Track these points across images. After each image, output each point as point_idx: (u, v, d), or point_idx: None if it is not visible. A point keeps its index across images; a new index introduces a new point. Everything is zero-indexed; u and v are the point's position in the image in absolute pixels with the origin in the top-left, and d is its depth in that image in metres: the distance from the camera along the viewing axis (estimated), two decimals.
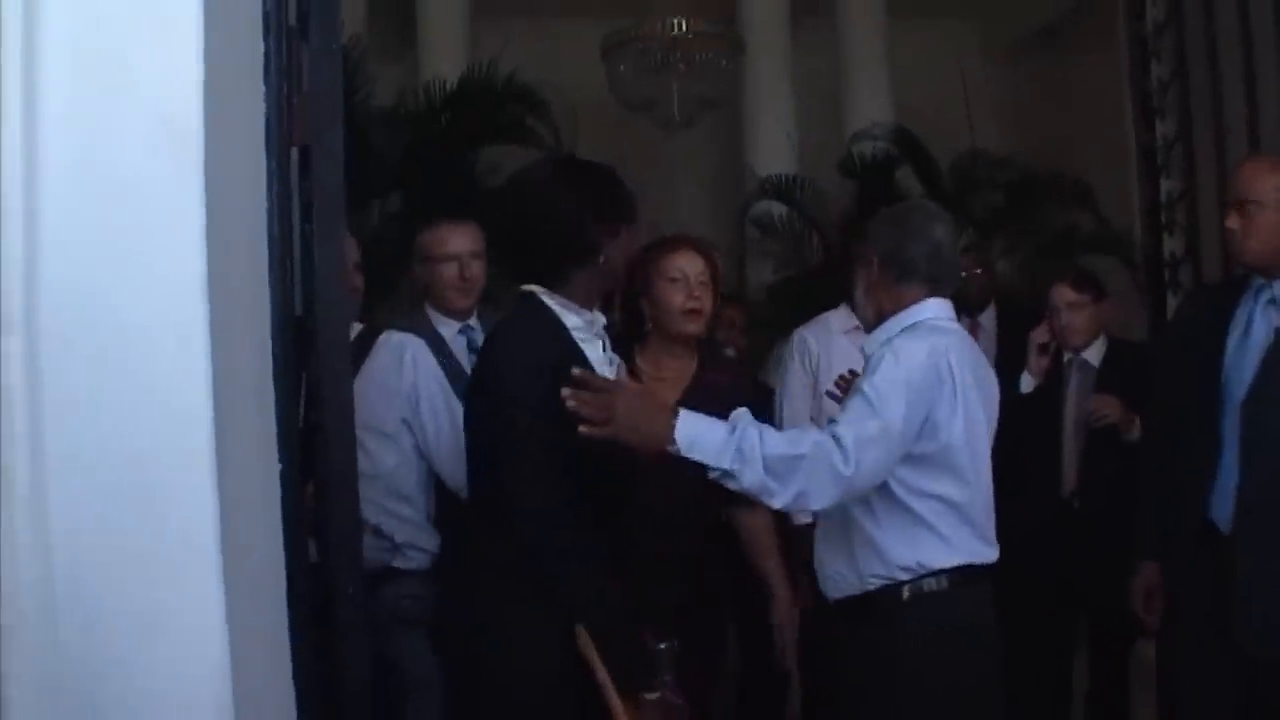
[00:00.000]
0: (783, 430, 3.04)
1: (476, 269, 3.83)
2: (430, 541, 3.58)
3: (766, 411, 3.76)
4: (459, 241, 3.84)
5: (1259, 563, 3.17)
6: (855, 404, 2.76)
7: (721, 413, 3.49)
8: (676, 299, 3.55)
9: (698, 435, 2.66)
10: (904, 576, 2.83)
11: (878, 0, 9.78)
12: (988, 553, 2.87)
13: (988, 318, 5.14)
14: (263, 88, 2.22)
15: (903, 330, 2.91)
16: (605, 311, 3.54)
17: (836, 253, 8.21)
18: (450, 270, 3.81)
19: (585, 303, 2.84)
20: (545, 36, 8.95)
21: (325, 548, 2.34)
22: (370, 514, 3.28)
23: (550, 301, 2.81)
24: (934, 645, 2.79)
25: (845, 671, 2.97)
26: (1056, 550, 4.23)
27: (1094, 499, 4.29)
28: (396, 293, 6.84)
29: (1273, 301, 3.29)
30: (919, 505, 2.80)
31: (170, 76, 1.94)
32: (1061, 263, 8.22)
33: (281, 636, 2.21)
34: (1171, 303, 4.36)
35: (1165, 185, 4.14)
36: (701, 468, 2.67)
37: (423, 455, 3.57)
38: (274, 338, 2.24)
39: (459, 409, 3.34)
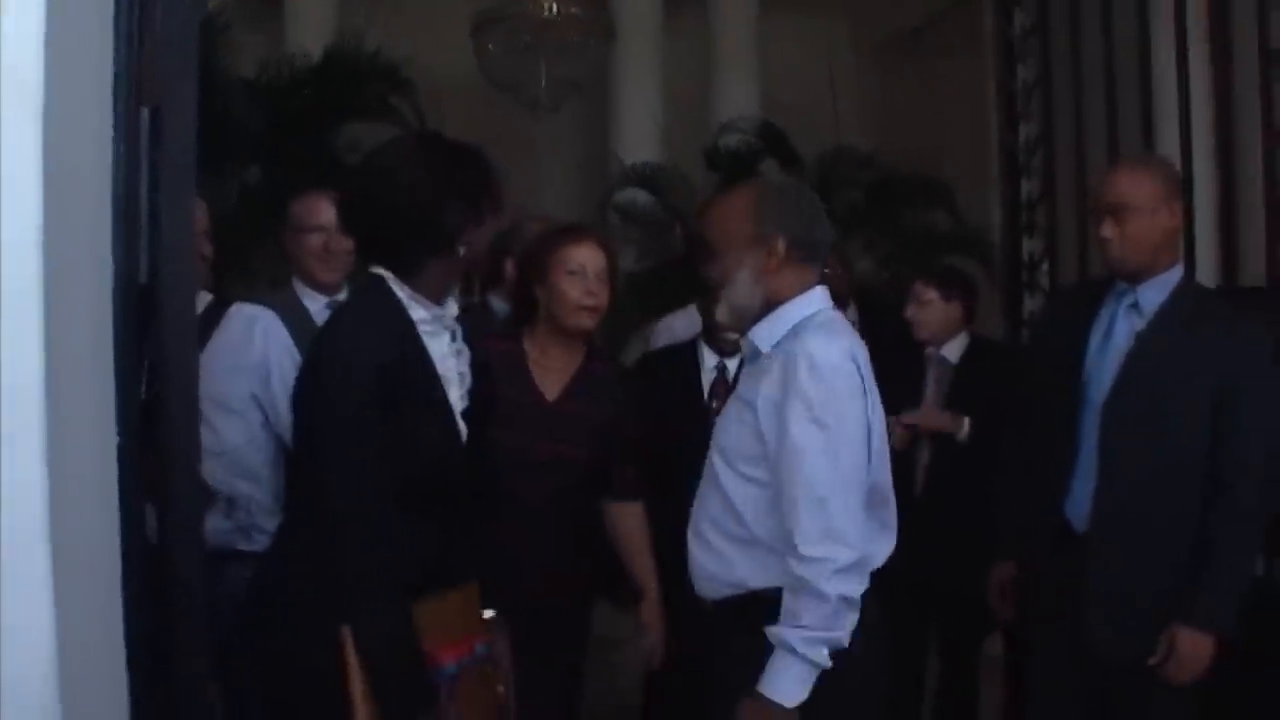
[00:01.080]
0: None
1: (344, 242, 3.71)
2: (276, 523, 3.44)
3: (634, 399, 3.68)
4: (328, 213, 3.72)
5: (1110, 564, 3.20)
6: (806, 493, 2.58)
7: (601, 402, 3.48)
8: (573, 293, 3.45)
9: (785, 682, 2.55)
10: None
11: None
12: (881, 555, 2.78)
13: (850, 314, 5.16)
14: (112, 40, 2.10)
15: (799, 324, 2.71)
16: (465, 294, 3.47)
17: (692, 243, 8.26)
18: (316, 241, 3.69)
19: (436, 295, 2.67)
20: (413, 13, 8.79)
21: (165, 527, 2.23)
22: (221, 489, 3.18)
23: (398, 290, 2.63)
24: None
25: (724, 676, 2.78)
26: (907, 551, 4.23)
27: (941, 498, 4.30)
28: (251, 267, 6.70)
29: (1134, 306, 3.31)
30: None
31: (11, 24, 1.84)
32: (918, 261, 8.36)
33: (115, 621, 2.10)
34: (1028, 302, 4.42)
35: (1026, 187, 4.18)
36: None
37: (272, 432, 3.45)
38: (115, 304, 2.13)
39: None
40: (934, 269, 4.64)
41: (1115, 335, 3.32)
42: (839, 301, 4.48)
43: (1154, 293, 3.29)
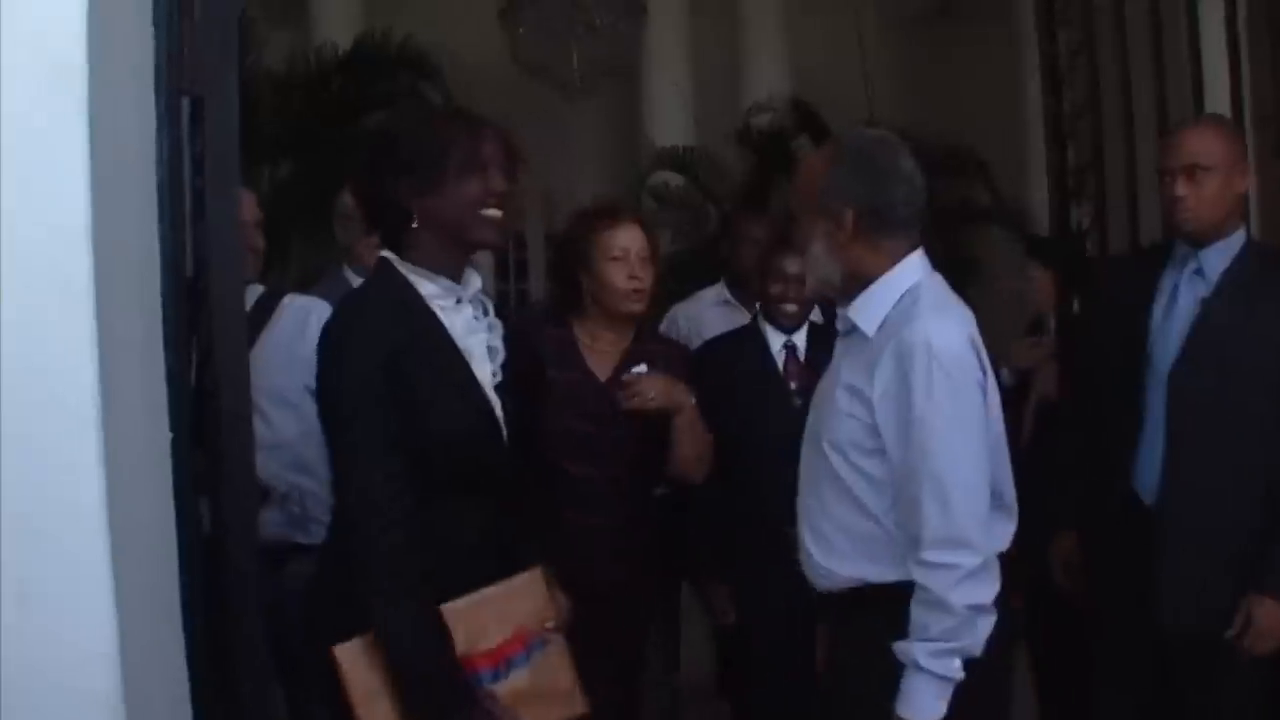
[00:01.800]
0: None
1: None
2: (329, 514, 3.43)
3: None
4: None
5: (1182, 534, 3.11)
6: (921, 495, 2.41)
7: None
8: (619, 278, 3.39)
9: (921, 706, 2.39)
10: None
11: None
12: (1005, 540, 2.58)
13: None
14: (152, 28, 2.08)
15: (902, 302, 2.52)
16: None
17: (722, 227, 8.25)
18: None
19: (438, 267, 2.52)
20: (441, 1, 8.78)
21: (219, 519, 2.20)
22: (275, 485, 3.14)
23: (402, 269, 2.52)
24: None
25: (839, 667, 2.65)
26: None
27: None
28: (286, 260, 6.71)
29: (1199, 272, 3.22)
30: None
31: (55, 10, 1.82)
32: (957, 235, 8.32)
33: (174, 614, 2.09)
34: None
35: (1072, 154, 4.11)
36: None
37: None
38: (165, 296, 2.11)
39: None
40: (1028, 240, 4.51)
41: (1179, 303, 3.22)
42: None
43: (1218, 258, 3.19)
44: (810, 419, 2.69)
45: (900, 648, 2.40)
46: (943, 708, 2.38)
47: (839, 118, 8.83)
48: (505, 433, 2.58)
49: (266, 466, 3.12)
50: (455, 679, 2.34)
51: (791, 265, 3.77)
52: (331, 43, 7.90)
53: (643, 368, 3.31)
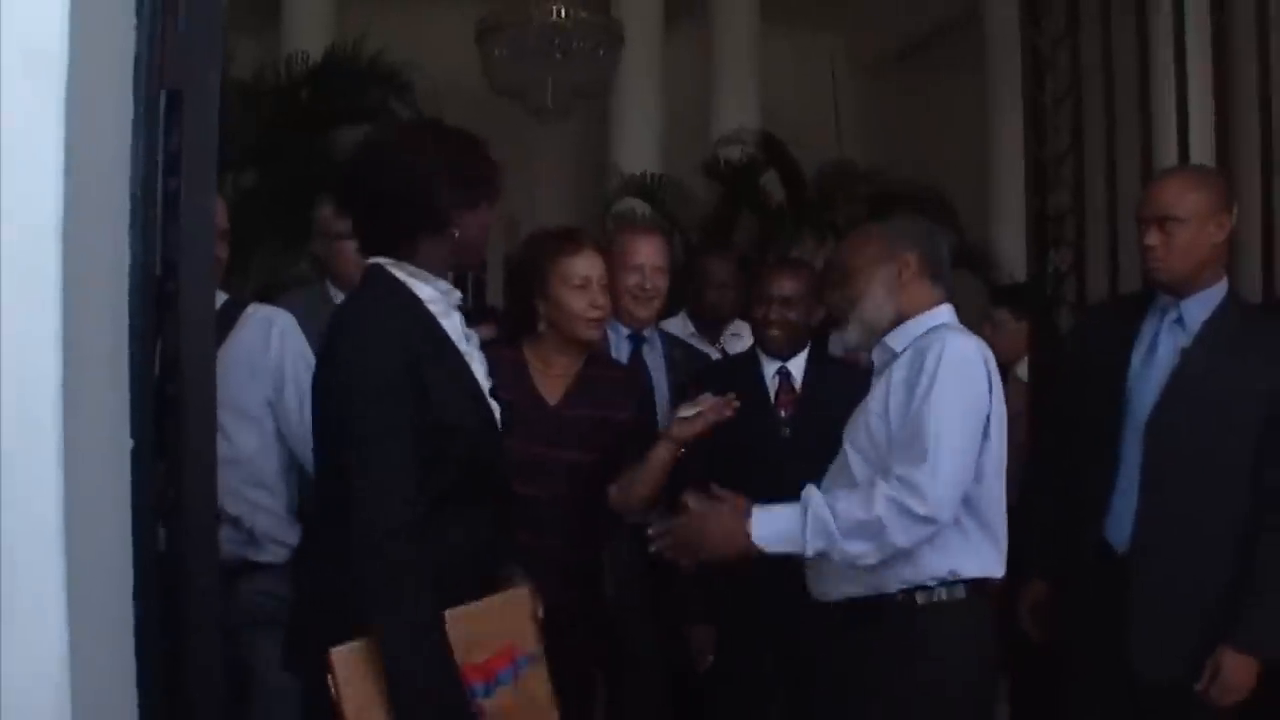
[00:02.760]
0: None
1: None
2: (291, 534, 3.29)
3: (648, 408, 3.60)
4: None
5: (1153, 585, 3.11)
6: (918, 436, 2.70)
7: (601, 405, 3.40)
8: (579, 305, 3.35)
9: (775, 530, 2.75)
10: (932, 583, 2.78)
11: (751, 5, 9.75)
12: (999, 567, 2.87)
13: None
14: (134, 20, 1.99)
15: (931, 330, 2.86)
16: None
17: (688, 261, 8.21)
18: (351, 248, 3.59)
19: (437, 273, 2.59)
20: (413, 17, 8.72)
21: (178, 536, 2.11)
22: (228, 503, 3.02)
23: (399, 273, 2.54)
24: (955, 653, 2.77)
25: (841, 675, 2.89)
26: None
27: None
28: (248, 271, 6.62)
29: (1179, 321, 3.23)
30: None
31: (32, 3, 1.73)
32: None
33: (126, 632, 1.99)
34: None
35: (1052, 200, 4.10)
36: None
37: (284, 440, 3.32)
38: (131, 301, 2.02)
39: None
40: (999, 290, 4.52)
41: (1159, 351, 3.23)
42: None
43: (1198, 308, 3.20)
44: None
45: (808, 492, 2.76)
46: (776, 545, 2.75)
47: (807, 155, 8.85)
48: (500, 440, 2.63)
49: (224, 482, 3.02)
50: (455, 694, 2.31)
51: (779, 288, 3.77)
52: (302, 53, 7.81)
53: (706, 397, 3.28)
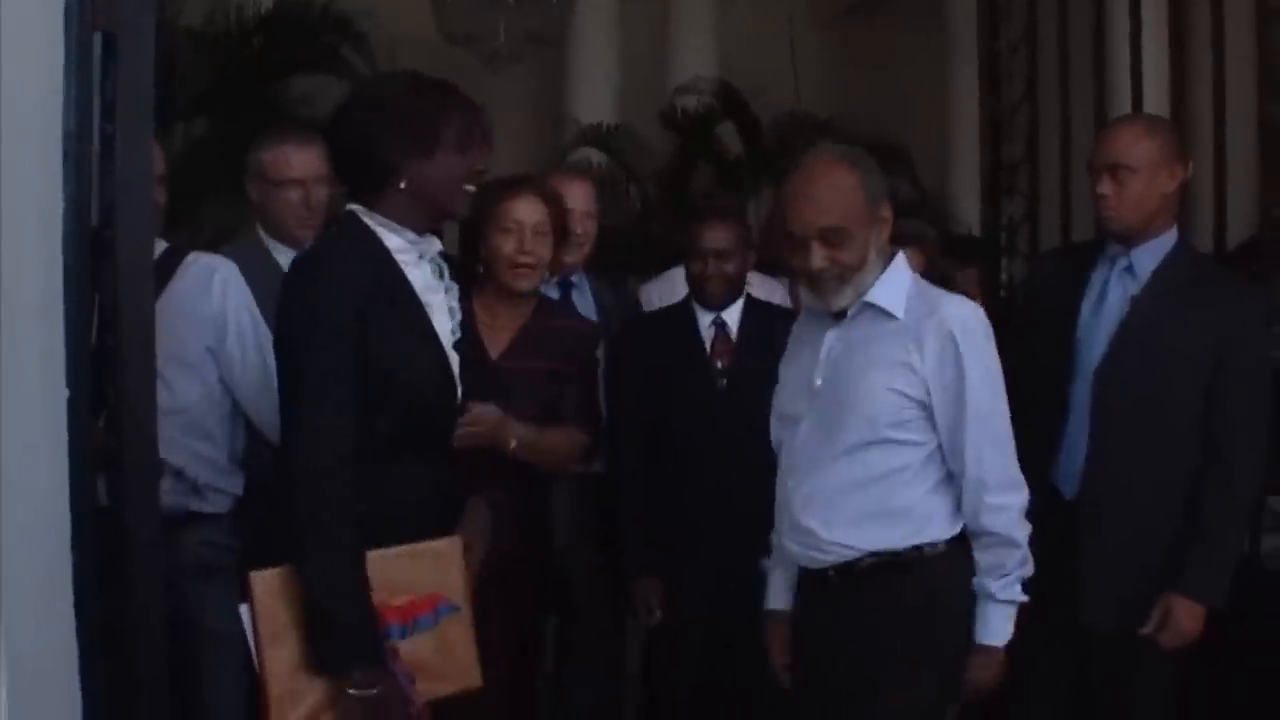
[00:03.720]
0: None
1: (322, 194, 3.53)
2: (233, 483, 3.28)
3: (607, 357, 3.58)
4: (304, 164, 3.53)
5: (1100, 532, 3.15)
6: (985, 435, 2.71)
7: (548, 357, 3.37)
8: (507, 248, 3.35)
9: (1001, 630, 2.76)
10: (929, 539, 2.76)
11: None
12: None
13: None
14: None
15: (910, 286, 2.79)
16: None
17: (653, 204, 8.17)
18: (293, 196, 3.52)
19: (405, 223, 2.59)
20: None
21: (117, 488, 2.07)
22: (170, 453, 2.97)
23: (369, 220, 2.57)
24: (960, 600, 2.78)
25: (858, 635, 2.78)
26: None
27: None
28: (197, 221, 6.53)
29: (1128, 270, 3.24)
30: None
31: None
32: None
33: (64, 586, 1.96)
34: (1007, 266, 4.33)
35: (1006, 150, 4.08)
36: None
37: (226, 389, 3.27)
38: (65, 249, 1.98)
39: (270, 341, 3.10)
40: (949, 240, 4.45)
41: (1108, 300, 3.25)
42: None
43: (1148, 257, 3.22)
44: (804, 405, 2.83)
45: (981, 585, 2.73)
46: (1012, 628, 2.74)
47: (765, 105, 8.80)
48: (460, 390, 2.67)
49: (165, 433, 2.97)
50: (367, 632, 2.35)
51: (712, 241, 3.74)
52: (254, 0, 7.69)
53: (490, 407, 3.19)
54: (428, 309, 2.61)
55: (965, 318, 2.73)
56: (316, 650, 2.35)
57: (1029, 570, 2.74)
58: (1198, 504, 3.12)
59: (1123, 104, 3.89)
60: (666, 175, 8.72)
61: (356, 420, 2.40)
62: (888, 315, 2.75)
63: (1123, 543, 3.14)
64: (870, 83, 9.76)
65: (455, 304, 2.69)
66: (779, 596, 3.00)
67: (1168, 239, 3.23)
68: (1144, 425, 3.15)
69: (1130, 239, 3.21)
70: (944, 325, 2.70)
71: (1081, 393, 3.22)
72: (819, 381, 2.79)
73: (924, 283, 2.85)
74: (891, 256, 2.80)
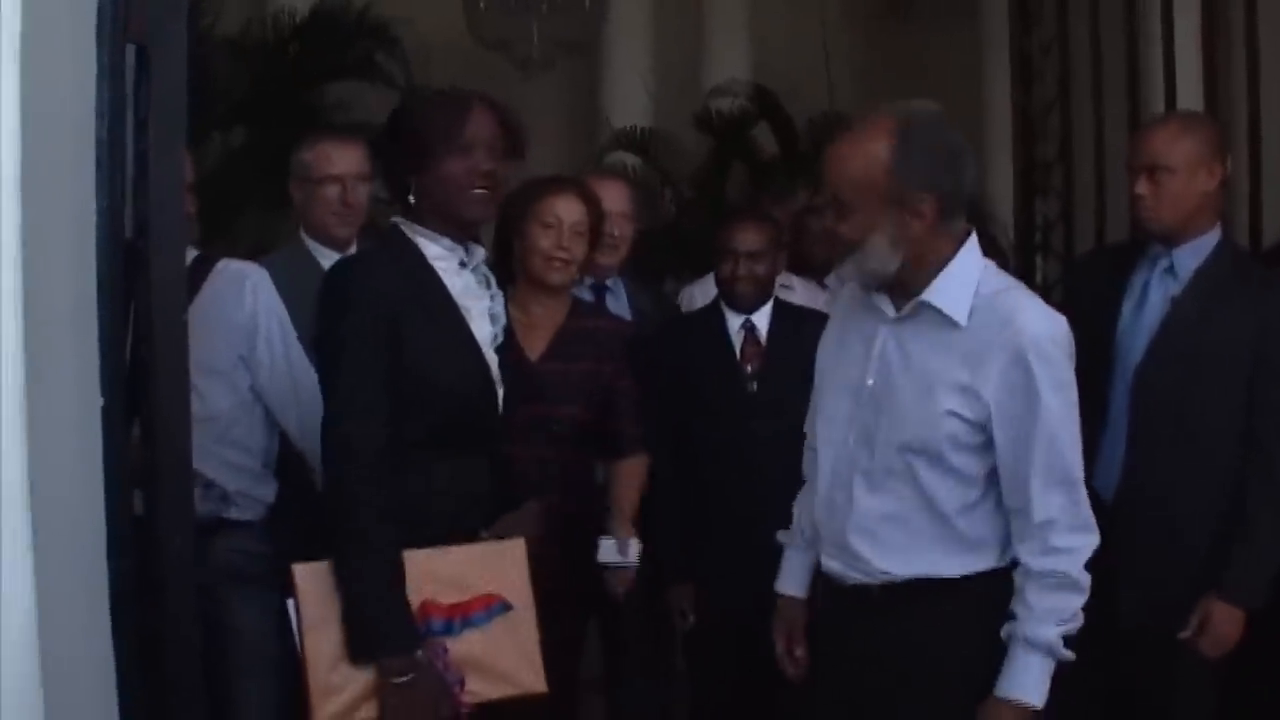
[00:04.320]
0: None
1: (361, 193, 3.61)
2: (266, 491, 3.30)
3: (636, 361, 3.57)
4: (344, 161, 3.60)
5: (1139, 534, 3.10)
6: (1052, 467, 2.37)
7: (589, 358, 3.38)
8: (544, 243, 3.37)
9: (1037, 686, 2.39)
10: (983, 568, 2.47)
11: None
12: None
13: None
14: None
15: (982, 286, 2.40)
16: None
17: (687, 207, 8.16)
18: (331, 192, 3.58)
19: (439, 230, 2.67)
20: None
21: (151, 496, 2.10)
22: (201, 462, 2.99)
23: (408, 231, 2.67)
24: (996, 620, 2.45)
25: (894, 656, 2.50)
26: None
27: None
28: (234, 229, 6.57)
29: (1170, 270, 3.19)
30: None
31: None
32: None
33: (99, 593, 1.98)
34: (1041, 266, 4.31)
35: (1039, 149, 4.07)
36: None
37: (258, 395, 3.28)
38: (99, 259, 1.99)
39: (298, 348, 3.19)
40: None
41: (1149, 300, 3.20)
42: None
43: (1189, 257, 3.17)
44: (848, 410, 2.52)
45: (1027, 632, 2.37)
46: (1047, 687, 2.40)
47: (799, 106, 8.78)
48: (501, 393, 2.71)
49: (197, 442, 2.99)
50: (397, 620, 2.43)
51: (741, 243, 3.73)
52: (289, 8, 7.74)
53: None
54: (465, 314, 2.67)
55: (1043, 335, 2.36)
56: (349, 638, 2.43)
57: (1078, 625, 2.42)
58: (1238, 505, 3.07)
59: (1156, 103, 3.86)
60: (701, 178, 8.72)
61: (395, 421, 2.49)
62: (949, 321, 2.39)
63: (1161, 544, 3.10)
64: (903, 83, 9.68)
65: (500, 310, 2.77)
66: (793, 580, 2.82)
67: (1210, 238, 3.18)
68: (1184, 427, 3.11)
69: (1171, 239, 3.17)
70: (1016, 342, 2.34)
71: (1121, 394, 3.18)
72: (870, 381, 2.48)
73: (1003, 280, 2.48)
74: (958, 245, 2.40)
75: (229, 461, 3.23)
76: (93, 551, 1.96)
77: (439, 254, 2.66)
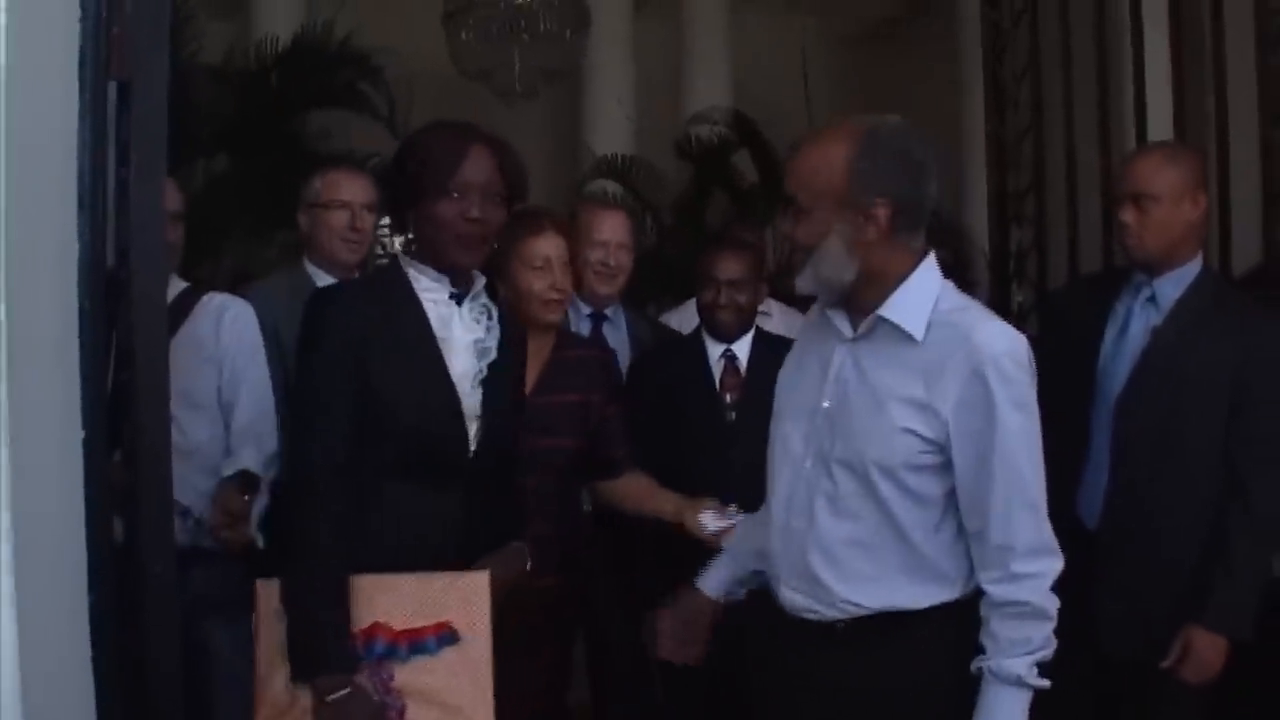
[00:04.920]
0: None
1: (368, 221, 3.71)
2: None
3: (619, 384, 3.60)
4: (353, 189, 3.67)
5: (1122, 562, 3.12)
6: (1009, 505, 2.29)
7: (577, 388, 3.40)
8: (538, 286, 3.36)
9: (1001, 718, 2.30)
10: (949, 598, 2.38)
11: None
12: None
13: None
14: (79, 10, 1.99)
15: (940, 303, 2.35)
16: None
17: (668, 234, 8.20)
18: (340, 219, 3.66)
19: (432, 264, 2.63)
20: (384, 1, 8.68)
21: (133, 525, 2.11)
22: (179, 493, 3.01)
23: (404, 263, 2.67)
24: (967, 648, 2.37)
25: (859, 694, 2.40)
26: None
27: None
28: (219, 256, 6.60)
29: (1151, 300, 3.22)
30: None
31: None
32: None
33: (80, 621, 1.99)
34: (1016, 293, 4.34)
35: (1013, 177, 4.11)
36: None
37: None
38: (81, 288, 2.02)
39: (263, 383, 3.30)
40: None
41: (1131, 329, 3.22)
42: None
43: (1171, 286, 3.20)
44: (805, 433, 2.46)
45: (999, 666, 2.29)
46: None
47: (779, 133, 8.84)
48: (476, 427, 2.63)
49: (176, 473, 3.02)
50: (337, 642, 2.41)
51: (724, 271, 3.72)
52: (272, 36, 7.78)
53: None
54: (443, 346, 2.62)
55: (1002, 352, 2.28)
56: (290, 655, 2.43)
57: (1051, 651, 2.32)
58: (1219, 534, 3.08)
59: (1127, 130, 3.91)
60: (682, 204, 8.77)
61: (358, 445, 2.49)
62: (906, 337, 2.33)
63: (1146, 573, 3.11)
64: (883, 110, 9.78)
65: (493, 344, 2.70)
66: (711, 580, 2.76)
67: (1192, 267, 3.21)
68: (1165, 455, 3.11)
69: (1154, 268, 3.20)
70: (974, 359, 2.27)
71: (1103, 423, 3.19)
72: (826, 404, 2.41)
73: (962, 299, 2.40)
74: (917, 261, 2.36)
75: (206, 493, 3.27)
76: (74, 580, 1.98)
77: (430, 287, 2.64)
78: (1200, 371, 3.11)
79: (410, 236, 2.67)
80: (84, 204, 2.04)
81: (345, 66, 7.62)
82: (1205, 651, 3.05)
